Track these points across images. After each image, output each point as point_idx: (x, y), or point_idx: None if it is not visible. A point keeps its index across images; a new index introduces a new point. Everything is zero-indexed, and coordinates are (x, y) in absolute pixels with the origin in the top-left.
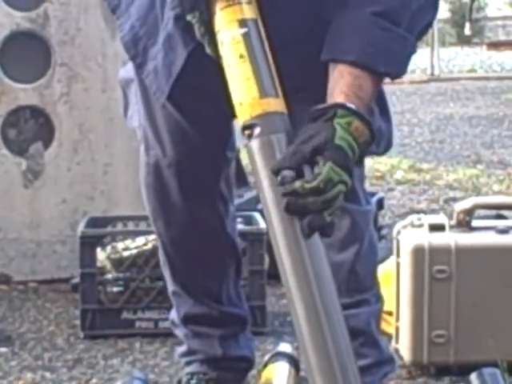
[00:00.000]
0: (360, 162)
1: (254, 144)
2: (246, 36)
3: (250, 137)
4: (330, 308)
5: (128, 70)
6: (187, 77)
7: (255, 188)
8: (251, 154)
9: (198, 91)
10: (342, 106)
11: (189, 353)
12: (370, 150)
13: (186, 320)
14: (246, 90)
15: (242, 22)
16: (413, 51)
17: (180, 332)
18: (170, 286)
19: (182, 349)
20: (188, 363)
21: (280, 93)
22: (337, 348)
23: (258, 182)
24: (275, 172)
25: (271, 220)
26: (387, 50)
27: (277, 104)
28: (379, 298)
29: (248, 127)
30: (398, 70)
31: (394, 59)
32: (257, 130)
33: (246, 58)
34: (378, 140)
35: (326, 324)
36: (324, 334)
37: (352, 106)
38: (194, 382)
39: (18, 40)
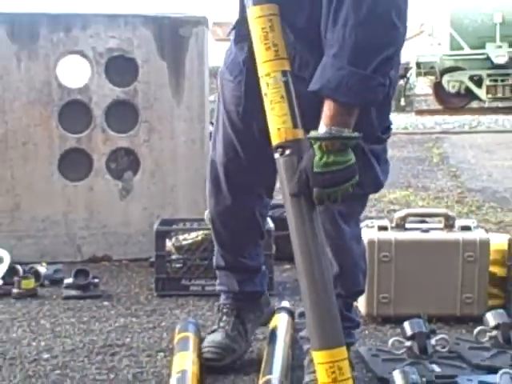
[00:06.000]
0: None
1: (283, 160)
2: (286, 83)
3: (281, 154)
4: (319, 253)
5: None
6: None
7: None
8: (279, 167)
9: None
10: (313, 137)
11: (219, 284)
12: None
13: (218, 266)
14: (283, 121)
15: (284, 73)
16: (373, 84)
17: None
18: (217, 251)
19: (217, 281)
20: (219, 293)
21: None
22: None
23: (282, 185)
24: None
25: (287, 211)
26: (344, 84)
27: (301, 133)
28: None
29: (281, 147)
30: (356, 100)
31: (352, 92)
32: (287, 151)
33: (285, 98)
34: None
35: (314, 256)
36: (312, 262)
37: (320, 133)
38: (225, 310)
39: (118, 106)
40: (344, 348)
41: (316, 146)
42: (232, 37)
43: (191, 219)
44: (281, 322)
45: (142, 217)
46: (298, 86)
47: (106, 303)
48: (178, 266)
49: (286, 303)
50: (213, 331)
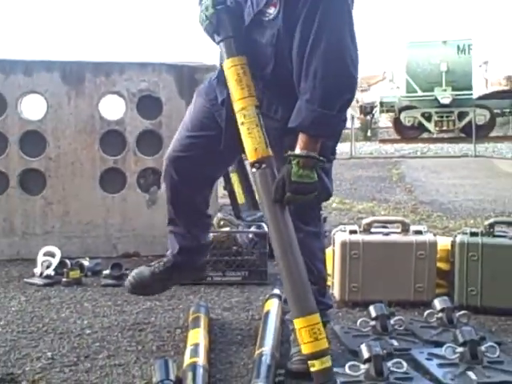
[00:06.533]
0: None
1: (260, 172)
2: (258, 114)
3: (258, 168)
4: (293, 247)
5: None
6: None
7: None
8: (256, 178)
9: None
10: (294, 155)
11: (169, 244)
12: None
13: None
14: (259, 142)
15: (257, 107)
16: (337, 121)
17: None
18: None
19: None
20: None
21: None
22: (296, 262)
23: (259, 194)
24: (272, 200)
25: (266, 212)
26: (315, 122)
27: (271, 152)
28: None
29: (258, 162)
30: (324, 133)
31: (320, 128)
32: (263, 165)
33: (259, 126)
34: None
35: (289, 250)
36: (288, 257)
37: (298, 152)
38: (165, 259)
39: (146, 134)
40: (317, 314)
41: (294, 162)
42: (215, 81)
43: None
44: (273, 306)
45: (165, 222)
46: (265, 121)
47: None
48: None
49: (276, 291)
50: (149, 265)
